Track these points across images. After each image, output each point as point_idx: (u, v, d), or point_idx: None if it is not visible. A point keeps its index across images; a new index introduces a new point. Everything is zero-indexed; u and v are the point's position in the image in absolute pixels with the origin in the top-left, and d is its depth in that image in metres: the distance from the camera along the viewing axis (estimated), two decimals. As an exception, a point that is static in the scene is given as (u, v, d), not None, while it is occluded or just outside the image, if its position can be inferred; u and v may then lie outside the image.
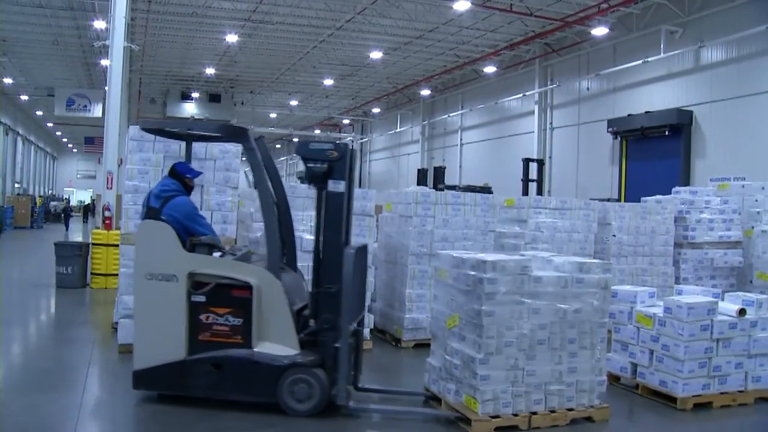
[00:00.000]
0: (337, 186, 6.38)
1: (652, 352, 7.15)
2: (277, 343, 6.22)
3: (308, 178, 6.53)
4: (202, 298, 6.23)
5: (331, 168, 6.36)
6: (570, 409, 6.24)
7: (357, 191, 9.40)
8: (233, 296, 6.25)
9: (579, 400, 6.29)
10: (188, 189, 6.93)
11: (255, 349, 6.19)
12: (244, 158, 6.77)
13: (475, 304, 6.05)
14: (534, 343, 6.11)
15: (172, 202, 6.57)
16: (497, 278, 5.99)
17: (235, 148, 8.90)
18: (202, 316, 6.23)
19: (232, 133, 7.32)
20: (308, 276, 7.09)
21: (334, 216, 6.40)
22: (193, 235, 6.57)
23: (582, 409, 6.29)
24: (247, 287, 6.22)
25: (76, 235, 29.39)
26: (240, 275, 6.29)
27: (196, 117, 36.25)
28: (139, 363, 6.30)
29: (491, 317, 5.96)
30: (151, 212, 6.54)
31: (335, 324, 6.23)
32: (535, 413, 6.11)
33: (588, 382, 6.31)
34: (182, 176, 6.87)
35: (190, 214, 6.65)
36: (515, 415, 6.05)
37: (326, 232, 6.42)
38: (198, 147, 8.72)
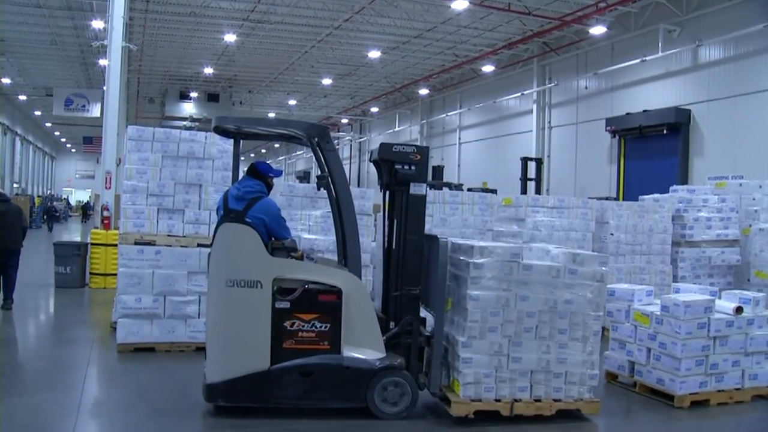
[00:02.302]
0: (419, 188, 6.45)
1: (649, 350, 7.17)
2: (364, 347, 6.12)
3: (396, 181, 6.48)
4: (286, 305, 5.98)
5: (413, 171, 6.42)
6: (557, 400, 6.27)
7: (355, 190, 9.40)
8: (320, 301, 6.07)
9: (567, 392, 6.31)
10: (269, 189, 6.56)
11: (344, 355, 6.05)
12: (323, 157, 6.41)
13: (462, 288, 6.23)
14: (521, 331, 6.20)
15: (260, 204, 6.25)
16: (484, 263, 6.12)
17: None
18: (287, 323, 5.98)
19: (317, 133, 6.52)
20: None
21: (417, 218, 6.45)
22: (276, 238, 6.27)
23: (570, 401, 6.31)
24: (336, 291, 6.09)
25: (66, 237, 29.34)
26: (328, 279, 6.13)
27: (194, 117, 36.29)
28: (215, 375, 5.95)
29: (476, 302, 6.10)
30: (232, 214, 6.18)
31: (417, 326, 6.33)
32: (518, 400, 6.18)
33: (578, 375, 6.31)
34: (265, 176, 6.48)
35: (277, 216, 6.37)
36: (497, 400, 6.14)
37: (409, 234, 6.42)
38: (196, 147, 8.76)
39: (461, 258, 6.35)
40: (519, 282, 6.21)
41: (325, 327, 6.03)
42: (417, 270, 6.42)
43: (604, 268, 6.47)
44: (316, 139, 6.45)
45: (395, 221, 6.59)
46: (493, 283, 6.15)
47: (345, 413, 6.07)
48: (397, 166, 6.39)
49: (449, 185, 17.50)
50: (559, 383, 6.28)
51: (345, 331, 6.06)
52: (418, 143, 35.68)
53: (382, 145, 6.59)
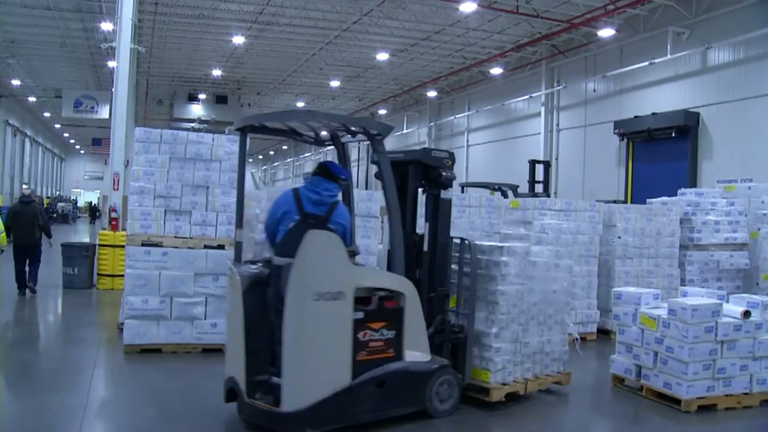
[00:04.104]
0: (449, 193, 6.72)
1: (656, 354, 7.13)
2: (415, 351, 6.11)
3: (434, 184, 6.67)
4: (360, 315, 5.70)
5: (451, 175, 6.71)
6: (548, 375, 7.22)
7: (362, 193, 9.42)
8: (386, 308, 5.95)
9: (552, 367, 7.28)
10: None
11: (408, 360, 6.02)
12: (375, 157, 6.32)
13: (490, 285, 6.78)
14: (528, 318, 7.00)
15: (340, 209, 6.00)
16: (510, 262, 6.81)
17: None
18: (360, 334, 5.69)
19: (382, 131, 6.36)
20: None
21: (446, 222, 6.71)
22: (347, 244, 5.89)
23: (554, 375, 7.28)
24: (399, 297, 6.03)
25: (73, 238, 29.43)
26: (394, 285, 6.04)
27: (203, 119, 36.38)
28: (296, 402, 5.38)
29: (504, 296, 6.76)
30: (311, 219, 5.80)
31: (449, 325, 6.58)
32: (527, 379, 6.99)
33: (558, 352, 7.31)
34: (338, 177, 6.12)
35: (351, 221, 6.15)
36: (515, 382, 6.89)
37: (440, 238, 6.63)
38: (204, 149, 8.77)
39: (487, 257, 6.86)
40: (528, 276, 6.96)
41: (391, 334, 5.93)
42: (446, 271, 6.67)
43: (571, 262, 7.60)
44: (381, 137, 6.33)
45: (427, 224, 6.67)
46: (514, 279, 6.84)
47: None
48: (441, 171, 6.60)
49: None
50: (548, 360, 7.23)
51: (405, 337, 6.04)
52: (426, 145, 35.67)
53: (424, 149, 6.83)
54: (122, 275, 9.05)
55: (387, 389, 5.84)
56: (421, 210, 6.87)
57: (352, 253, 5.96)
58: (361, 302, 5.73)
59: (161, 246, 8.49)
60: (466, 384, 6.57)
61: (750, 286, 11.42)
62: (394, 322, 5.94)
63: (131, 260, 8.47)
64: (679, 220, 11.42)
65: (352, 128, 6.37)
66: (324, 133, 6.86)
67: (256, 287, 5.88)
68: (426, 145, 35.73)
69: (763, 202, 11.63)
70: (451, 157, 6.73)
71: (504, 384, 6.73)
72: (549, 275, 7.16)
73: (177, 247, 8.52)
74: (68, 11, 23.22)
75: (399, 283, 6.05)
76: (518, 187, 18.74)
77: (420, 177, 6.72)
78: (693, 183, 17.77)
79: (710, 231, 11.44)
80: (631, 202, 18.45)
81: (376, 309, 5.86)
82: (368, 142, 6.35)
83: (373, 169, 6.43)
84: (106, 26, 22.37)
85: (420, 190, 6.87)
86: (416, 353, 6.08)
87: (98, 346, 8.85)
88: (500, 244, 7.04)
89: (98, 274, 13.81)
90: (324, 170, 6.09)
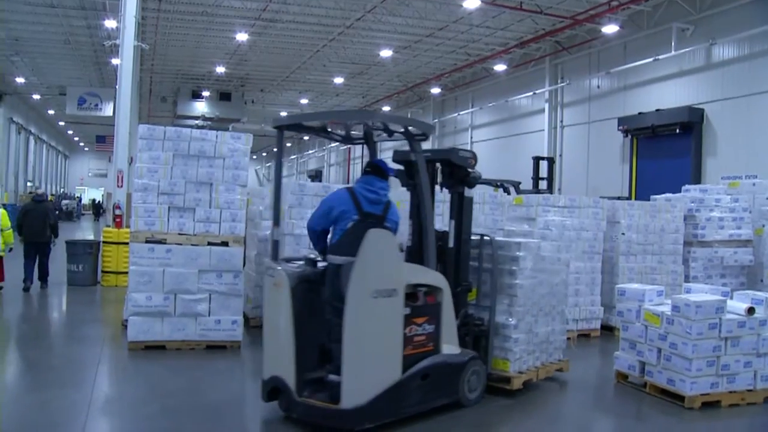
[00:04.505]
0: (471, 191, 7.12)
1: (660, 350, 7.12)
2: (448, 344, 6.32)
3: (461, 183, 6.98)
4: (408, 311, 5.85)
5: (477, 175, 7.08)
6: (551, 363, 7.64)
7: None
8: (428, 303, 6.16)
9: (554, 356, 7.71)
10: None
11: (444, 353, 6.25)
12: (414, 156, 6.47)
13: (509, 279, 7.13)
14: (539, 310, 7.38)
15: (393, 207, 6.14)
16: (527, 257, 7.19)
17: (244, 146, 8.94)
18: (407, 329, 5.87)
19: (426, 131, 6.63)
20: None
21: (469, 219, 7.05)
22: None
23: (556, 363, 7.71)
24: (437, 293, 6.25)
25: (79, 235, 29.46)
26: (435, 281, 6.26)
27: (206, 116, 36.39)
28: (356, 398, 5.49)
29: (522, 289, 7.13)
30: (370, 219, 5.88)
31: (473, 317, 6.95)
32: (538, 368, 7.39)
33: (559, 341, 7.76)
34: (389, 175, 6.25)
35: (400, 219, 6.31)
36: (529, 370, 7.27)
37: (464, 235, 6.96)
38: (207, 146, 8.77)
39: (505, 253, 7.20)
40: (539, 270, 7.36)
41: (431, 328, 6.13)
42: (468, 266, 7.00)
43: (569, 256, 8.15)
44: (423, 138, 6.57)
45: (452, 221, 6.95)
46: (529, 273, 7.22)
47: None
48: (467, 170, 6.92)
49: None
50: (551, 349, 7.65)
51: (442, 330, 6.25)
52: (430, 142, 35.65)
53: (451, 149, 7.20)
54: (126, 272, 9.10)
55: (429, 382, 6.04)
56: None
57: (401, 249, 6.24)
58: (408, 298, 5.90)
59: (165, 243, 8.50)
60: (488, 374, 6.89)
61: (754, 283, 11.40)
62: (433, 317, 6.17)
63: (135, 257, 8.48)
64: (683, 216, 11.40)
65: (392, 128, 6.51)
66: (355, 132, 6.92)
67: (304, 285, 5.94)
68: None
69: (767, 199, 11.60)
70: (475, 156, 7.06)
71: (521, 372, 7.11)
72: (553, 268, 7.59)
73: (181, 244, 8.53)
74: (72, 8, 23.22)
75: (438, 279, 6.30)
76: (520, 183, 18.72)
77: (446, 176, 7.01)
78: (697, 179, 17.72)
79: (714, 227, 11.42)
80: (635, 199, 18.42)
81: (421, 304, 6.06)
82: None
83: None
84: (110, 23, 22.37)
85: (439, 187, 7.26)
86: (450, 346, 6.34)
87: (102, 343, 8.87)
88: (517, 240, 7.43)
89: (102, 271, 13.85)
90: (376, 169, 6.16)
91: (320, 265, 6.13)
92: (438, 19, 22.85)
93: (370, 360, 5.60)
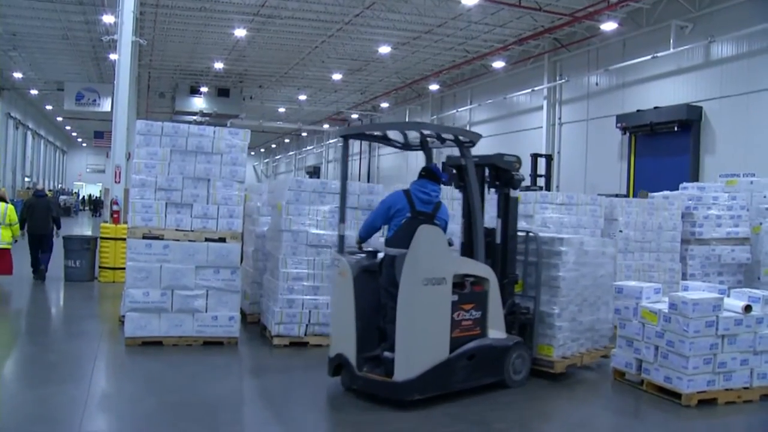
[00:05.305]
0: (516, 192, 7.77)
1: (657, 348, 7.13)
2: (495, 329, 7.02)
3: (507, 185, 7.69)
4: (455, 298, 6.59)
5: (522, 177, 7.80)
6: (596, 349, 8.18)
7: (363, 186, 9.49)
8: (475, 292, 6.87)
9: (600, 342, 8.27)
10: None
11: (490, 337, 6.93)
12: (465, 158, 7.25)
13: (552, 271, 7.73)
14: (582, 300, 7.92)
15: (443, 207, 6.88)
16: (569, 251, 7.76)
17: (242, 142, 8.92)
18: (455, 314, 6.59)
19: (473, 139, 7.35)
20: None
21: (514, 217, 7.75)
22: None
23: (601, 349, 8.24)
24: (484, 283, 6.96)
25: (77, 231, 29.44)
26: (482, 272, 6.97)
27: (204, 111, 36.37)
28: (406, 372, 6.25)
29: (565, 281, 7.71)
30: (421, 216, 6.63)
31: (519, 306, 7.61)
32: (582, 353, 7.95)
33: (605, 329, 8.32)
34: (440, 179, 7.00)
35: (449, 217, 7.05)
36: (573, 355, 7.83)
37: (510, 231, 7.66)
38: (205, 141, 8.76)
39: (548, 248, 7.80)
40: (582, 263, 7.91)
41: (478, 314, 6.86)
42: (515, 259, 7.72)
43: (615, 249, 8.79)
44: (471, 144, 7.31)
45: (499, 219, 7.67)
46: (572, 266, 7.78)
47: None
48: (512, 173, 7.64)
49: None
50: (596, 336, 8.20)
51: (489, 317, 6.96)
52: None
53: (497, 154, 7.80)
54: (124, 268, 9.06)
55: (475, 362, 6.74)
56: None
57: (450, 243, 6.83)
58: (456, 286, 6.64)
59: (162, 239, 8.49)
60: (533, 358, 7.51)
61: (751, 281, 11.42)
62: (480, 304, 6.89)
63: (132, 253, 8.47)
64: (681, 214, 11.40)
65: (445, 136, 7.37)
66: (413, 139, 7.72)
67: (365, 274, 6.77)
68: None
69: (765, 197, 11.63)
70: (519, 160, 7.74)
71: (564, 357, 7.70)
72: (597, 262, 8.17)
73: (178, 240, 8.52)
74: (70, 4, 23.21)
75: (485, 270, 7.03)
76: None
77: (493, 178, 7.81)
78: (695, 177, 17.74)
79: (712, 225, 11.43)
80: (633, 196, 18.43)
81: (468, 292, 6.79)
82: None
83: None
84: (108, 19, 22.34)
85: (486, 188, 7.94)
86: (496, 331, 7.02)
87: (99, 339, 8.86)
88: (560, 236, 8.06)
89: (100, 267, 13.83)
90: (429, 173, 6.95)
91: (379, 256, 6.91)
92: (437, 15, 22.83)
93: (420, 339, 6.36)
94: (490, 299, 6.98)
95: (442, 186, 7.07)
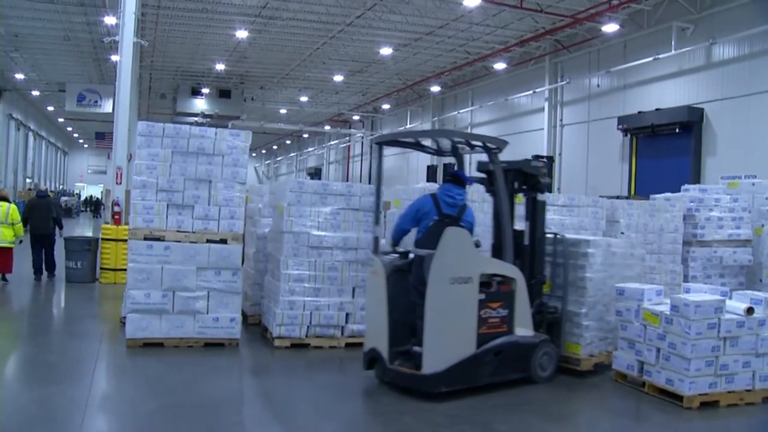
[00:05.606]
0: (545, 196, 8.09)
1: (658, 350, 7.12)
2: (523, 327, 7.34)
3: (535, 189, 7.99)
4: (483, 296, 6.94)
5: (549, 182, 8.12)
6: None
7: (365, 187, 9.50)
8: (502, 291, 7.21)
9: None
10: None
11: (517, 334, 7.24)
12: (491, 164, 7.68)
13: (579, 272, 8.03)
14: (610, 300, 8.06)
15: (469, 210, 7.31)
16: (596, 253, 8.05)
17: (243, 144, 8.92)
18: (482, 312, 6.94)
19: (499, 145, 7.71)
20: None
21: (542, 220, 8.06)
22: None
23: None
24: (511, 282, 7.29)
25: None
26: (507, 272, 7.30)
27: (206, 113, 36.37)
28: (434, 366, 6.62)
29: (592, 282, 7.98)
30: (447, 219, 7.04)
31: (546, 306, 7.91)
32: (609, 352, 8.08)
33: None
34: (466, 183, 7.41)
35: (474, 220, 7.45)
36: (600, 354, 8.09)
37: (538, 233, 7.98)
38: (206, 143, 8.76)
39: (575, 249, 8.11)
40: (609, 264, 8.19)
41: (505, 312, 7.17)
42: (543, 261, 8.03)
43: (644, 251, 9.13)
44: (498, 150, 7.66)
45: (527, 222, 7.98)
46: (599, 267, 8.07)
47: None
48: (539, 178, 7.93)
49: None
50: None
51: (516, 315, 7.26)
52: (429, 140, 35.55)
53: (525, 160, 8.13)
54: (125, 269, 9.06)
55: (502, 358, 7.07)
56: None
57: (477, 245, 7.15)
58: (483, 285, 6.97)
59: (163, 240, 8.49)
60: (560, 356, 7.80)
61: (753, 283, 11.39)
62: (507, 303, 7.20)
63: (133, 254, 8.46)
64: (683, 216, 11.38)
65: (474, 143, 7.74)
66: (444, 145, 8.09)
67: (397, 274, 7.15)
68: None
69: (766, 198, 11.59)
70: (546, 166, 8.04)
71: (591, 356, 7.98)
72: (626, 263, 8.44)
73: (179, 242, 8.52)
74: (71, 5, 23.21)
75: (512, 270, 7.35)
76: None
77: (521, 183, 8.04)
78: (696, 179, 17.71)
79: (713, 227, 11.41)
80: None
81: (495, 291, 7.13)
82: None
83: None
84: (110, 20, 22.31)
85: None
86: (523, 329, 7.33)
87: (100, 340, 8.85)
88: (587, 238, 8.39)
89: (101, 268, 13.83)
90: (455, 178, 7.35)
91: (410, 256, 7.26)
92: (438, 17, 22.83)
93: (447, 335, 6.71)
94: (517, 298, 7.28)
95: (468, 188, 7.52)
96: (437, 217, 7.05)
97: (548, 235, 8.23)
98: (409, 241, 7.41)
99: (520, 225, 8.06)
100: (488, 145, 7.63)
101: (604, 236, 10.71)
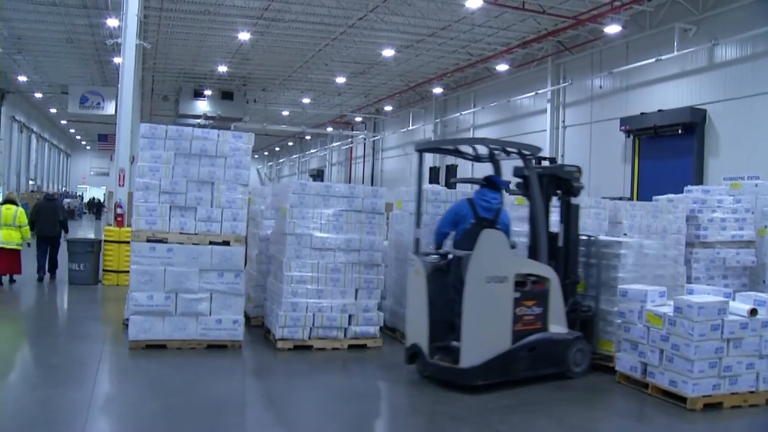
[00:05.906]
0: (577, 199, 8.41)
1: (662, 351, 7.11)
2: (557, 324, 7.68)
3: (569, 193, 8.27)
4: (518, 294, 7.30)
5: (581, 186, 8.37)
6: None
7: (367, 189, 9.49)
8: (536, 290, 7.58)
9: None
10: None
11: (551, 331, 7.58)
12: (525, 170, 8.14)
13: (611, 273, 8.38)
14: None
15: (504, 213, 7.77)
16: (628, 254, 8.40)
17: (246, 145, 8.92)
18: (517, 310, 7.31)
19: (533, 152, 8.22)
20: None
21: (576, 222, 8.36)
22: None
23: None
24: (545, 282, 7.63)
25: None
26: (541, 272, 7.66)
27: (208, 115, 36.40)
28: (471, 360, 7.01)
29: (624, 282, 8.18)
30: (485, 222, 7.50)
31: (580, 305, 8.23)
32: None
33: None
34: (501, 187, 7.87)
35: (510, 222, 7.91)
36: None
37: (572, 235, 8.29)
38: (209, 144, 8.76)
39: (608, 250, 8.47)
40: (642, 265, 8.49)
41: (539, 310, 7.53)
42: (577, 262, 8.35)
43: (677, 252, 9.57)
44: (532, 156, 8.13)
45: (561, 225, 8.30)
46: (631, 268, 8.40)
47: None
48: (572, 182, 8.17)
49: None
50: None
51: (550, 313, 7.59)
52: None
53: (559, 165, 8.76)
54: (127, 271, 9.09)
55: (537, 353, 7.42)
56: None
57: (512, 246, 7.58)
58: (518, 285, 7.33)
59: (166, 242, 8.49)
60: (594, 352, 8.10)
61: (756, 284, 11.35)
62: (541, 301, 7.56)
63: (136, 256, 8.47)
64: (686, 217, 11.33)
65: (509, 150, 8.06)
66: (482, 152, 8.36)
67: (437, 273, 7.51)
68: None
69: (769, 200, 11.55)
70: (579, 170, 8.31)
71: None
72: (658, 263, 8.80)
73: (182, 243, 8.52)
74: (74, 7, 23.25)
75: (546, 270, 7.69)
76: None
77: (555, 187, 8.34)
78: (699, 180, 17.68)
79: (716, 228, 11.37)
80: (637, 199, 18.39)
81: (529, 290, 7.49)
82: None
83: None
84: (112, 22, 22.41)
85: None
86: (557, 327, 7.67)
87: (103, 342, 8.86)
88: (619, 239, 8.72)
89: (104, 270, 13.84)
90: (490, 182, 7.82)
91: (449, 257, 7.60)
92: (440, 18, 22.83)
93: (483, 331, 7.09)
94: (551, 297, 7.63)
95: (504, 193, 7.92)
96: (474, 221, 7.49)
97: (582, 237, 8.59)
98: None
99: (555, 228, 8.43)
100: (523, 151, 8.04)
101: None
